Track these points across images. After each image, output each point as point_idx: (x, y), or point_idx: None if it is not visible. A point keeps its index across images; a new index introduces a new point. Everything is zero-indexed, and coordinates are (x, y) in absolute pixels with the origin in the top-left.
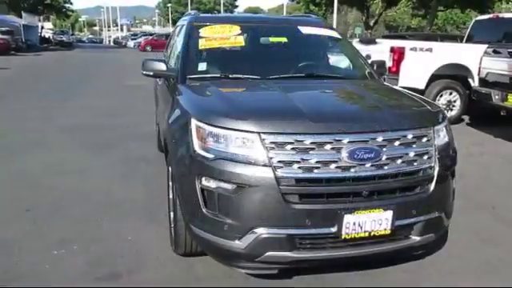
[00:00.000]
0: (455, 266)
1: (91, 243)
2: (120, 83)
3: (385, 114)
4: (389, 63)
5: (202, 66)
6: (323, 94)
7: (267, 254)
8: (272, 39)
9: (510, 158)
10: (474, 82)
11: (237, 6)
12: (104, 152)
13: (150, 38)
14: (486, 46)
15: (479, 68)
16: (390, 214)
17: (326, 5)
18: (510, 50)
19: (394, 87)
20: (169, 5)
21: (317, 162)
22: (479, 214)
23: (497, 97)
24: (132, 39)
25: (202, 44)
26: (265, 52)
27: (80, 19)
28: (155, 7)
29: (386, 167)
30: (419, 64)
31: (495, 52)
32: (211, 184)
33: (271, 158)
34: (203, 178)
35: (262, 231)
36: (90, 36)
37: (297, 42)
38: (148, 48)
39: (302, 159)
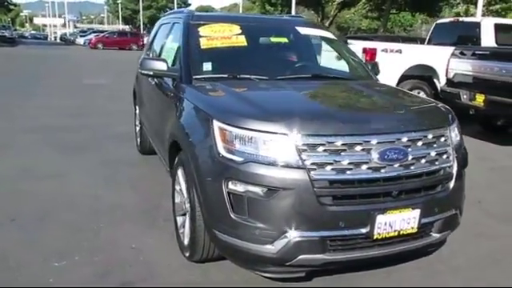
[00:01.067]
0: (460, 261)
1: (93, 253)
2: (78, 82)
3: (407, 115)
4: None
5: (207, 66)
6: (339, 94)
7: (300, 257)
8: (273, 39)
9: (479, 155)
10: (440, 83)
11: (189, 5)
12: (79, 154)
13: (102, 35)
14: (454, 48)
15: (447, 69)
16: (417, 212)
17: (282, 5)
18: (474, 52)
19: (398, 88)
20: (119, 1)
21: (349, 163)
22: (468, 210)
23: (465, 96)
24: (81, 36)
25: (204, 43)
26: (268, 52)
27: (22, 14)
28: (104, 3)
29: (412, 167)
30: (390, 65)
31: (462, 54)
32: (239, 188)
33: (304, 160)
34: (230, 182)
35: (295, 234)
36: (33, 32)
37: (297, 43)
38: (100, 45)
39: (335, 161)
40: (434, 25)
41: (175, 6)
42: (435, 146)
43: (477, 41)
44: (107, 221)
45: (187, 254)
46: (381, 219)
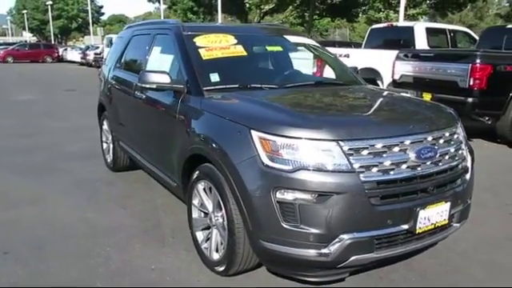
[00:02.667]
0: (465, 247)
1: (114, 278)
2: (7, 99)
3: (427, 116)
4: (313, 69)
5: (215, 77)
6: (359, 99)
7: (352, 258)
8: (269, 48)
9: None
10: (383, 84)
11: (103, 14)
12: (46, 176)
13: (11, 48)
14: (398, 51)
15: (393, 71)
16: (448, 205)
17: (204, 13)
18: (417, 54)
19: (393, 92)
20: (24, 11)
21: (391, 163)
22: None
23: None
24: None
25: (205, 54)
26: (268, 61)
27: None
28: (7, 13)
29: (440, 163)
30: None
31: (406, 56)
32: (289, 196)
33: (353, 164)
34: (279, 191)
35: (348, 236)
36: None
37: (290, 51)
38: (9, 59)
39: (379, 162)
40: (369, 30)
41: (89, 14)
42: (452, 142)
43: (411, 44)
44: (112, 244)
45: (221, 269)
46: (422, 214)
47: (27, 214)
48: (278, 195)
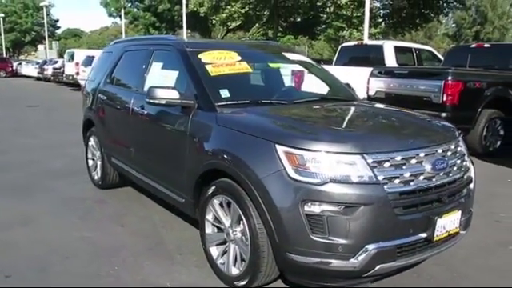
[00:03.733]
0: (464, 253)
1: None
2: None
3: (435, 130)
4: (292, 84)
5: (225, 93)
6: (369, 114)
7: (377, 267)
8: (272, 65)
9: None
10: None
11: (58, 28)
12: (31, 195)
13: None
14: (370, 68)
15: (367, 87)
16: (459, 213)
17: (167, 28)
18: (391, 71)
19: (392, 107)
20: None
21: (410, 175)
22: None
23: None
24: None
25: (212, 70)
26: (273, 77)
27: None
28: None
29: (450, 174)
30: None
31: (380, 73)
32: (316, 209)
33: (377, 176)
34: (307, 204)
35: (374, 246)
36: None
37: (291, 68)
38: None
39: (400, 174)
40: (339, 47)
41: (45, 28)
42: (457, 154)
43: (380, 61)
44: (119, 263)
45: (242, 283)
46: (439, 222)
47: (20, 235)
48: (306, 208)
